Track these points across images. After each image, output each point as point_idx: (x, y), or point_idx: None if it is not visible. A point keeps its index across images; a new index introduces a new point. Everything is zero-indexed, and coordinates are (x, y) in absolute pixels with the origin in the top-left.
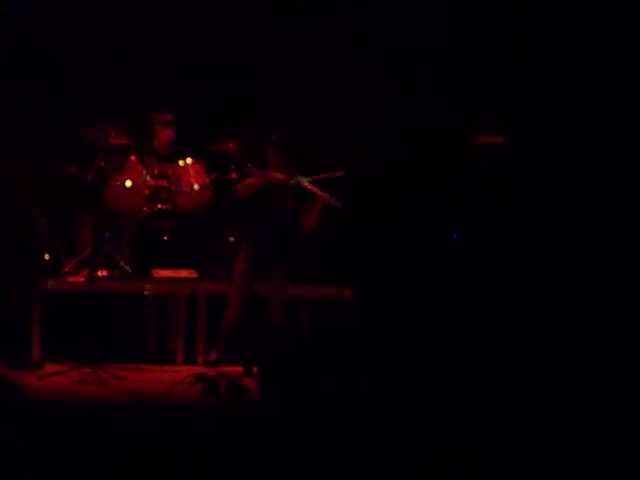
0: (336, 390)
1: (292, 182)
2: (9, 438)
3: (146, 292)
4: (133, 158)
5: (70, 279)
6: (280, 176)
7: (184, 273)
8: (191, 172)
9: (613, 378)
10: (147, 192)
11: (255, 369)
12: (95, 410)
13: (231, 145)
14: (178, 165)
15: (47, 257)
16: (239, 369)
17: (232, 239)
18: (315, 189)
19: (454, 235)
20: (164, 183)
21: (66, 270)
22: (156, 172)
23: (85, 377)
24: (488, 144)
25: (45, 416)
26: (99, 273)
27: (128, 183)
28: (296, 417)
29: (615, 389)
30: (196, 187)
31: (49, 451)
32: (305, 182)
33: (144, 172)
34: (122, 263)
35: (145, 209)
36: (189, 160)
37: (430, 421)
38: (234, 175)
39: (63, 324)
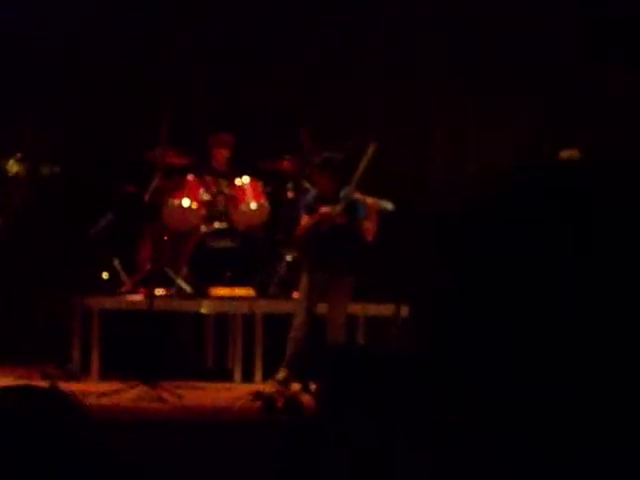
0: (393, 408)
1: (341, 197)
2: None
3: (204, 310)
4: (191, 177)
5: (129, 297)
6: (328, 211)
7: (241, 291)
8: (248, 190)
9: None
10: (204, 211)
11: (313, 386)
12: (154, 428)
13: (286, 164)
14: (235, 184)
15: (105, 276)
16: (297, 386)
17: (289, 257)
18: (364, 197)
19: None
20: (221, 202)
21: (125, 289)
22: (213, 191)
23: (143, 395)
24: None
25: (105, 435)
26: (157, 291)
27: (185, 202)
28: (354, 435)
29: None
30: (253, 205)
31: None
32: (352, 192)
33: (201, 191)
34: (180, 282)
35: (203, 228)
36: (246, 179)
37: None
38: (290, 194)
39: (122, 342)
